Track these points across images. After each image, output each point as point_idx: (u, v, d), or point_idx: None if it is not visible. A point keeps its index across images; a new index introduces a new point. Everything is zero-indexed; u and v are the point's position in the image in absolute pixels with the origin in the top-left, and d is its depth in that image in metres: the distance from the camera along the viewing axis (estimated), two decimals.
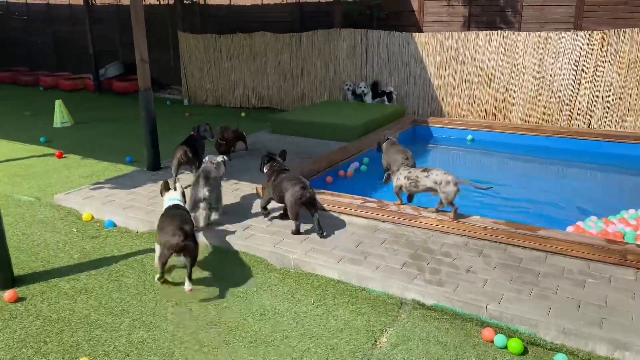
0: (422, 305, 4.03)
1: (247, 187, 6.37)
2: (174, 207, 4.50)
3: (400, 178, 5.42)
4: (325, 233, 4.96)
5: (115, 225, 5.68)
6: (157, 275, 4.36)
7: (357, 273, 4.31)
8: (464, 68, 10.14)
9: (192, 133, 6.79)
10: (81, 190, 6.41)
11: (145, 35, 6.64)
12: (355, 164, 7.42)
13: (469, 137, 9.13)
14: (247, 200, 5.96)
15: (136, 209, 5.75)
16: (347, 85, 10.85)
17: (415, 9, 11.14)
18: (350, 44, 11.06)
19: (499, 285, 4.08)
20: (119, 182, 6.67)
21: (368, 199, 5.54)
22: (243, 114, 11.75)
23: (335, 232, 5.07)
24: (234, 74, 12.64)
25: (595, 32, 8.98)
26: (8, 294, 4.14)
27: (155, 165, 7.09)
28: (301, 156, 7.68)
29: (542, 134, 8.67)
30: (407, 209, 5.24)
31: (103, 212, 5.82)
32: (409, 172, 5.29)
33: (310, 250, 4.70)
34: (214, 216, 5.28)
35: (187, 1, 13.52)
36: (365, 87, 10.56)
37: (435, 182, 5.02)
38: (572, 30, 9.20)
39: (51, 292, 4.30)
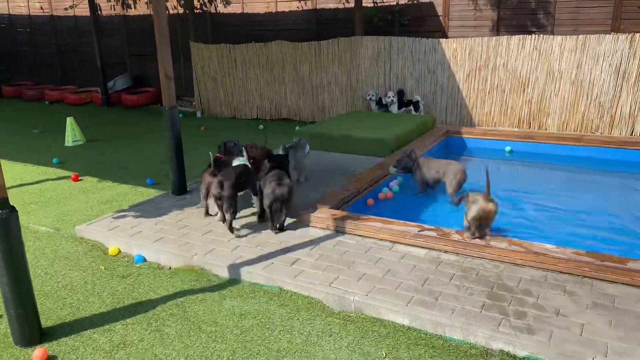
0: (513, 357, 3.51)
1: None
2: (237, 167, 5.54)
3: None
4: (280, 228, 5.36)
5: (145, 260, 5.17)
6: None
7: (432, 318, 3.80)
8: (496, 75, 9.65)
9: (217, 155, 6.30)
10: (104, 220, 5.90)
11: (170, 50, 6.15)
12: (394, 182, 6.92)
13: (508, 148, 8.62)
14: (288, 228, 5.45)
15: (167, 242, 5.24)
16: (369, 95, 10.35)
17: (439, 14, 10.66)
18: (373, 51, 10.58)
19: (598, 331, 3.56)
20: (143, 210, 6.16)
21: (425, 225, 5.03)
22: (261, 127, 11.27)
23: (395, 266, 4.56)
24: (250, 85, 12.15)
25: (637, 34, 8.49)
26: (38, 352, 3.62)
27: (181, 189, 6.59)
28: (343, 172, 7.19)
29: (586, 144, 8.17)
30: (476, 239, 4.72)
31: (131, 246, 5.32)
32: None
33: (372, 290, 4.19)
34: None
35: (197, 10, 13.05)
36: (393, 97, 10.06)
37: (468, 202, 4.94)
38: (613, 33, 8.72)
39: (86, 348, 3.78)
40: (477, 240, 4.68)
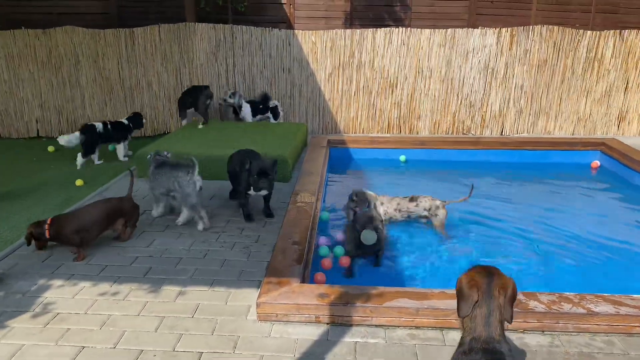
0: None
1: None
2: None
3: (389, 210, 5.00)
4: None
5: None
6: None
7: None
8: (361, 73, 8.37)
9: None
10: None
11: None
12: (324, 240, 4.67)
13: (402, 157, 7.37)
14: (250, 334, 3.06)
15: None
16: (225, 99, 7.95)
17: (283, 1, 8.88)
18: (210, 43, 8.25)
19: None
20: None
21: None
22: (51, 148, 7.86)
23: None
24: (22, 90, 8.49)
25: (503, 29, 8.15)
26: None
27: None
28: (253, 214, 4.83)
29: (485, 147, 7.42)
30: (562, 302, 3.14)
31: None
32: (398, 204, 5.03)
33: None
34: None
35: None
36: (233, 97, 7.88)
37: (425, 209, 4.96)
38: (480, 28, 8.22)
39: None
40: (567, 306, 3.12)
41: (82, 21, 8.67)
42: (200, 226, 4.53)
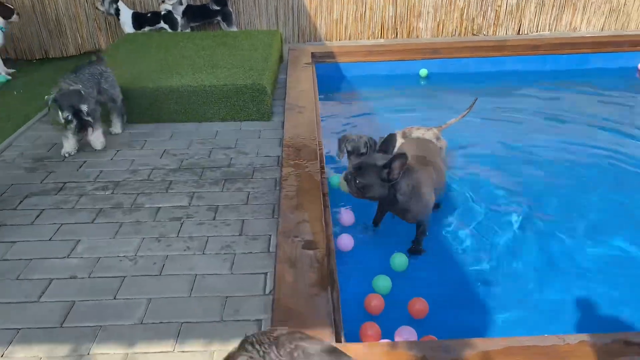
0: None
1: None
2: None
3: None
4: None
5: None
6: None
7: None
8: None
9: None
10: None
11: None
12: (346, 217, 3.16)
13: (423, 71, 5.71)
14: None
15: None
16: (96, 6, 6.10)
17: None
18: None
19: None
20: None
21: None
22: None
23: None
24: None
25: None
26: None
27: None
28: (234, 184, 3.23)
29: (510, 52, 5.79)
30: None
31: None
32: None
33: None
34: None
35: None
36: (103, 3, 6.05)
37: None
38: None
39: None
40: None
41: None
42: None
